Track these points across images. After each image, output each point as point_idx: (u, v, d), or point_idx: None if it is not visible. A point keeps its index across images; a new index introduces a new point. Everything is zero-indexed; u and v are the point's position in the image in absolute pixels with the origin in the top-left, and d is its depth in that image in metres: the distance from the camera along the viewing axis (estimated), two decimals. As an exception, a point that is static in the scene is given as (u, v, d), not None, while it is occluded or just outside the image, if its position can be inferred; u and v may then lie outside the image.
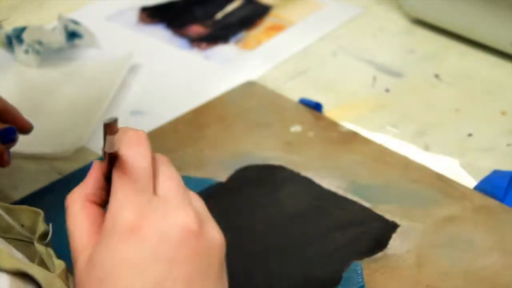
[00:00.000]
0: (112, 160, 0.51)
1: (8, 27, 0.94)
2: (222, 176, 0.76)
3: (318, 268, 0.67)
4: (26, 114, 0.73)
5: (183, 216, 0.51)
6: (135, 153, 0.52)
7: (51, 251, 0.56)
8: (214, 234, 0.52)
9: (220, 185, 0.75)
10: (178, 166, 0.76)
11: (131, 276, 0.50)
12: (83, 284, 0.51)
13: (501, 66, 0.89)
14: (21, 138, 0.71)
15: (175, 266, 0.50)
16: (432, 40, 0.94)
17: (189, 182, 0.59)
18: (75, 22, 0.94)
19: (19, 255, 0.54)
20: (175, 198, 0.52)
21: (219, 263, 0.52)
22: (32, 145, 0.78)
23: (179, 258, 0.51)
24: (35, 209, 0.59)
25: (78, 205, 0.53)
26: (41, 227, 0.58)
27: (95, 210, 0.53)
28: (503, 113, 0.83)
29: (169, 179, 0.53)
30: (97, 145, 0.81)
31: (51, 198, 0.74)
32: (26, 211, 0.59)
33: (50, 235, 0.58)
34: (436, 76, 0.88)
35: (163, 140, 0.80)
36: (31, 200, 0.73)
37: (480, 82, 0.87)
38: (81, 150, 0.80)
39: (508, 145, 0.79)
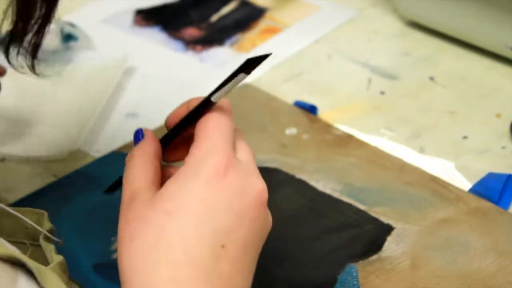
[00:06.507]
0: (201, 110, 0.57)
1: (3, 29, 0.94)
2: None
3: (313, 270, 0.66)
4: (21, 116, 0.73)
5: (261, 184, 0.54)
6: (227, 114, 0.57)
7: (52, 247, 0.57)
8: (270, 216, 0.56)
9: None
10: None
11: (203, 215, 0.52)
12: (142, 217, 0.53)
13: (496, 68, 0.89)
14: (16, 141, 0.71)
15: (244, 222, 0.53)
16: (427, 43, 0.94)
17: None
18: (71, 25, 0.94)
19: (11, 247, 0.54)
20: (253, 165, 0.55)
21: (263, 241, 0.56)
22: (27, 147, 0.78)
23: (249, 216, 0.54)
24: (39, 210, 0.60)
25: (146, 157, 0.56)
26: (47, 225, 0.59)
27: (158, 166, 0.57)
28: (498, 115, 0.83)
29: (245, 149, 0.56)
30: (92, 147, 0.81)
31: (46, 200, 0.74)
32: (29, 212, 0.60)
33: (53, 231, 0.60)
34: (431, 78, 0.89)
35: (158, 142, 0.80)
36: (26, 202, 0.73)
37: (475, 84, 0.87)
38: (76, 153, 0.80)
39: (503, 147, 0.79)
